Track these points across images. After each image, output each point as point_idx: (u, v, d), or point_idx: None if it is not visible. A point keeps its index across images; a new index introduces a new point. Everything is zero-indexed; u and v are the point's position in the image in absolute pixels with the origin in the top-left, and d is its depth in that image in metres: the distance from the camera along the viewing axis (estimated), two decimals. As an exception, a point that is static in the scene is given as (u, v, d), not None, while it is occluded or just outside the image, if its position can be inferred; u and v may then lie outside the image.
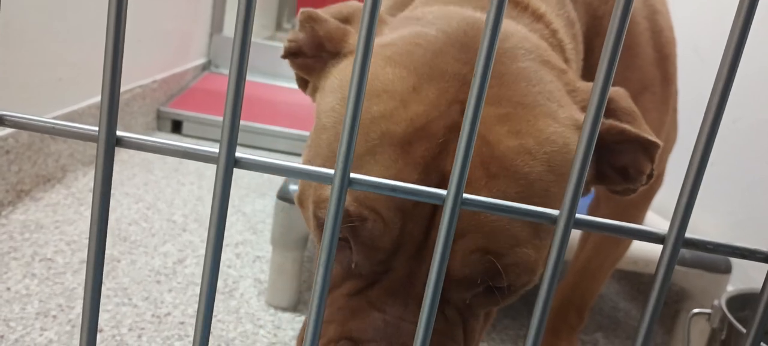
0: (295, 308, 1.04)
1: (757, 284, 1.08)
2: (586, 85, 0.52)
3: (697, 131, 0.29)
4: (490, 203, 0.32)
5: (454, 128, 0.45)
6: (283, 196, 0.98)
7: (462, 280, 0.45)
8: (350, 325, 0.45)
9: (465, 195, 0.31)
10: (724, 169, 1.22)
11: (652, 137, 0.50)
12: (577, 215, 0.32)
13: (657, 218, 1.22)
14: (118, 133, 0.31)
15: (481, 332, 0.52)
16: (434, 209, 0.45)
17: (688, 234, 0.31)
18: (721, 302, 0.70)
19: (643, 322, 0.32)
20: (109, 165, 0.31)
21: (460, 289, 0.46)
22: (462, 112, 0.46)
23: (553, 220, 0.32)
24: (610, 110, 0.50)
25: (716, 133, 0.29)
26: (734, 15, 0.28)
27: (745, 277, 1.12)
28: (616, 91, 0.51)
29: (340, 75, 0.52)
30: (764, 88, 1.18)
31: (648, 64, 0.64)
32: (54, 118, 1.29)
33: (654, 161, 0.51)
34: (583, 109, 0.50)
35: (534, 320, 0.32)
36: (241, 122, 1.92)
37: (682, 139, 0.74)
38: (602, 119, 0.30)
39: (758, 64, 1.17)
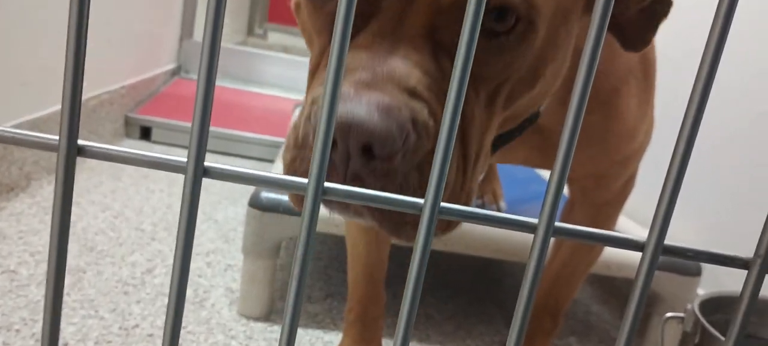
0: (267, 317, 1.02)
1: (726, 287, 1.10)
2: None
3: (671, 138, 0.29)
4: (468, 212, 0.31)
5: None
6: (255, 203, 0.97)
7: (451, 6, 0.43)
8: None
9: (442, 204, 0.30)
10: (695, 174, 1.23)
11: None
12: (557, 223, 0.31)
13: (629, 223, 1.23)
14: (81, 142, 0.30)
15: (487, 124, 0.47)
16: None
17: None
18: (695, 306, 0.70)
19: (624, 330, 0.32)
20: (71, 176, 0.30)
21: (450, 22, 0.43)
22: None
23: (533, 228, 0.31)
24: None
25: (694, 142, 0.29)
26: (712, 21, 0.27)
27: (714, 280, 1.14)
28: None
29: None
30: (733, 96, 1.20)
31: (630, 59, 0.63)
32: (18, 124, 1.25)
33: None
34: None
35: (514, 328, 0.31)
36: (213, 129, 1.89)
37: (656, 147, 0.75)
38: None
39: (727, 75, 1.19)
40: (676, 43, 1.33)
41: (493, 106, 0.47)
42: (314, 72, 0.49)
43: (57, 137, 0.30)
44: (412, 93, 0.41)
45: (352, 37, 0.44)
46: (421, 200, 0.30)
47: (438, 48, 0.44)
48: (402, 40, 0.43)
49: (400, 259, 1.28)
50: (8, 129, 0.30)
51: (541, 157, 0.66)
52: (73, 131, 0.29)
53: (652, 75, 0.67)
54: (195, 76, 2.48)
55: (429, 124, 0.41)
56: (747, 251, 0.30)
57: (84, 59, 0.28)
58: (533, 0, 0.44)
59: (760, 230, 0.31)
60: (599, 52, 0.26)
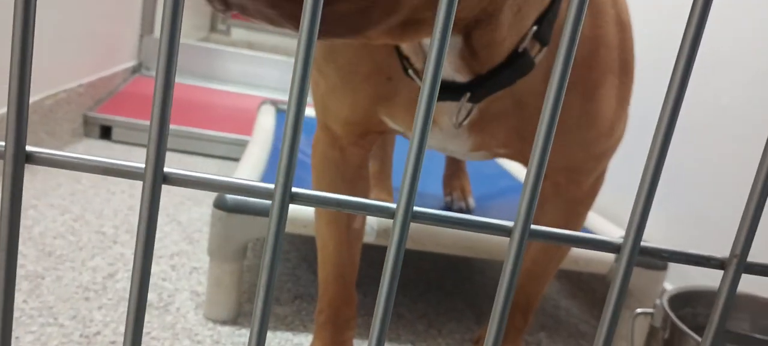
0: (235, 320, 1.00)
1: (693, 280, 1.12)
2: None
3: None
4: (443, 216, 0.30)
5: None
6: (220, 205, 0.94)
7: None
8: None
9: (415, 208, 0.29)
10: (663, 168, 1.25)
11: None
12: (532, 226, 0.30)
13: (598, 218, 1.24)
14: (30, 148, 0.28)
15: None
16: None
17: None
18: (663, 301, 0.71)
19: (602, 330, 0.31)
20: (19, 185, 0.28)
21: None
22: None
23: (508, 231, 0.30)
24: None
25: (668, 144, 0.28)
26: (685, 24, 0.27)
27: (681, 274, 1.16)
28: None
29: None
30: (695, 90, 1.22)
31: (613, 48, 0.63)
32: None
33: None
34: None
35: (491, 332, 0.30)
36: (176, 128, 1.85)
37: (627, 147, 0.75)
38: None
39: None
40: (645, 44, 1.35)
41: None
42: None
43: (2, 143, 0.28)
44: None
45: None
46: (393, 205, 0.29)
47: None
48: None
49: (369, 259, 1.26)
50: (-52, 135, 0.28)
51: (521, 141, 0.64)
52: (20, 138, 0.27)
53: (631, 69, 0.66)
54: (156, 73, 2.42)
55: None
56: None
57: (31, 61, 0.26)
58: None
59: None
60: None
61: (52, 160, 0.28)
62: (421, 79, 0.59)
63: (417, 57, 0.58)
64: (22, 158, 0.27)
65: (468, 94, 0.57)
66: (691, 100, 1.21)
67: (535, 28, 0.55)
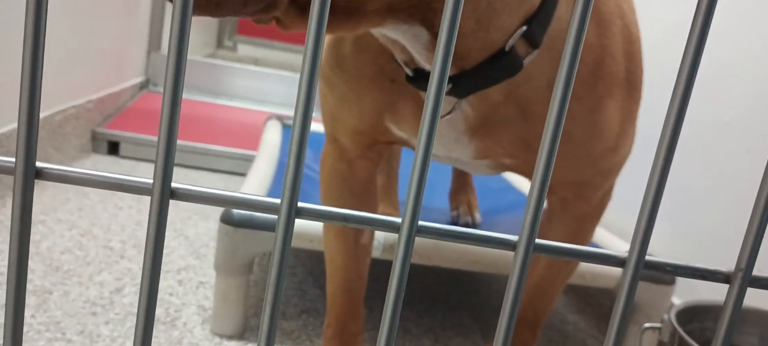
0: (241, 335, 1.00)
1: (701, 295, 1.11)
2: None
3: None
4: (446, 230, 0.30)
5: None
6: (227, 219, 0.95)
7: None
8: None
9: (420, 223, 0.30)
10: (667, 182, 1.25)
11: None
12: (537, 240, 0.30)
13: (603, 232, 1.24)
14: (39, 164, 0.28)
15: None
16: None
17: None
18: (671, 316, 0.70)
19: (609, 344, 0.31)
20: (28, 200, 0.28)
21: None
22: None
23: (513, 246, 0.30)
24: None
25: (671, 159, 0.28)
26: (686, 39, 0.27)
27: (689, 288, 1.15)
28: None
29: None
30: (697, 106, 1.21)
31: (620, 60, 0.63)
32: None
33: None
34: None
35: (497, 344, 0.31)
36: (183, 143, 1.86)
37: (634, 162, 0.75)
38: None
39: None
40: (649, 59, 1.35)
41: None
42: None
43: (13, 159, 0.28)
44: None
45: None
46: (398, 220, 0.30)
47: None
48: None
49: (375, 273, 1.26)
50: (-40, 152, 0.28)
51: (527, 151, 0.64)
52: (30, 154, 0.27)
53: (639, 83, 0.65)
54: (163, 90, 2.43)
55: None
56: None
57: (41, 77, 0.27)
58: None
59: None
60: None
61: (61, 176, 0.28)
62: (408, 67, 0.59)
63: (394, 48, 0.59)
64: (32, 174, 0.28)
65: (449, 86, 0.57)
66: (696, 116, 1.21)
67: (524, 28, 0.55)
